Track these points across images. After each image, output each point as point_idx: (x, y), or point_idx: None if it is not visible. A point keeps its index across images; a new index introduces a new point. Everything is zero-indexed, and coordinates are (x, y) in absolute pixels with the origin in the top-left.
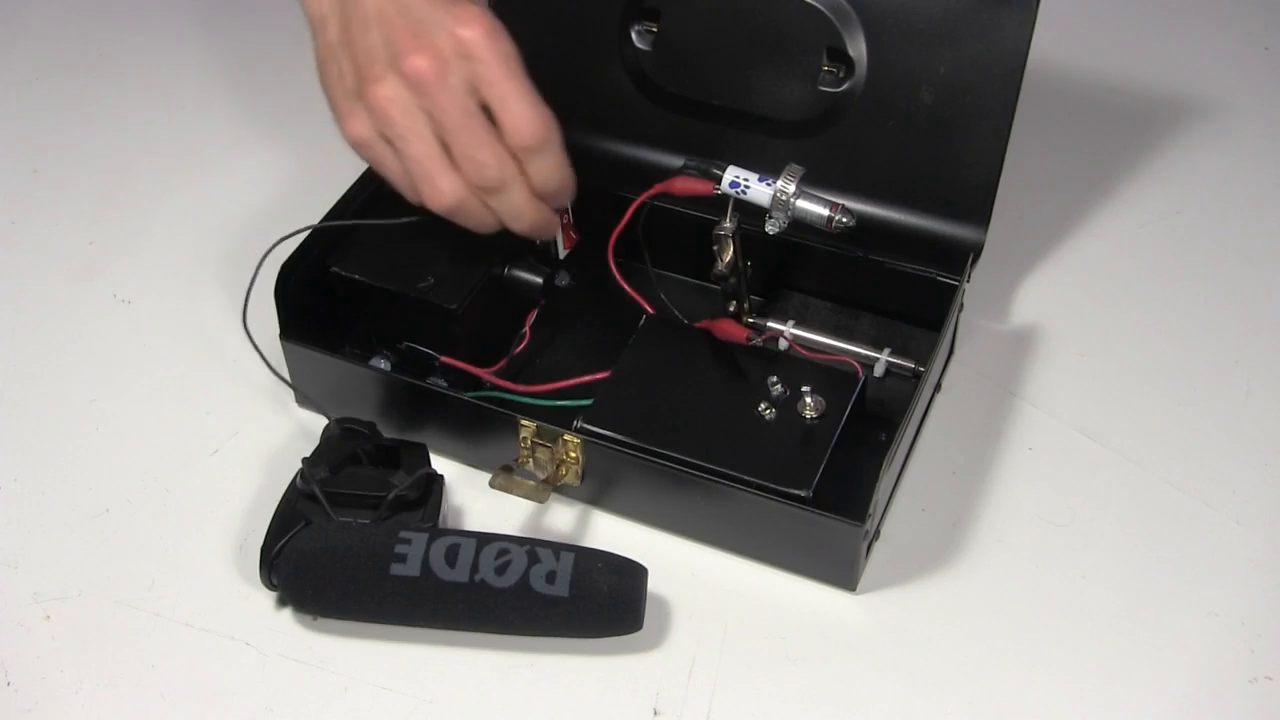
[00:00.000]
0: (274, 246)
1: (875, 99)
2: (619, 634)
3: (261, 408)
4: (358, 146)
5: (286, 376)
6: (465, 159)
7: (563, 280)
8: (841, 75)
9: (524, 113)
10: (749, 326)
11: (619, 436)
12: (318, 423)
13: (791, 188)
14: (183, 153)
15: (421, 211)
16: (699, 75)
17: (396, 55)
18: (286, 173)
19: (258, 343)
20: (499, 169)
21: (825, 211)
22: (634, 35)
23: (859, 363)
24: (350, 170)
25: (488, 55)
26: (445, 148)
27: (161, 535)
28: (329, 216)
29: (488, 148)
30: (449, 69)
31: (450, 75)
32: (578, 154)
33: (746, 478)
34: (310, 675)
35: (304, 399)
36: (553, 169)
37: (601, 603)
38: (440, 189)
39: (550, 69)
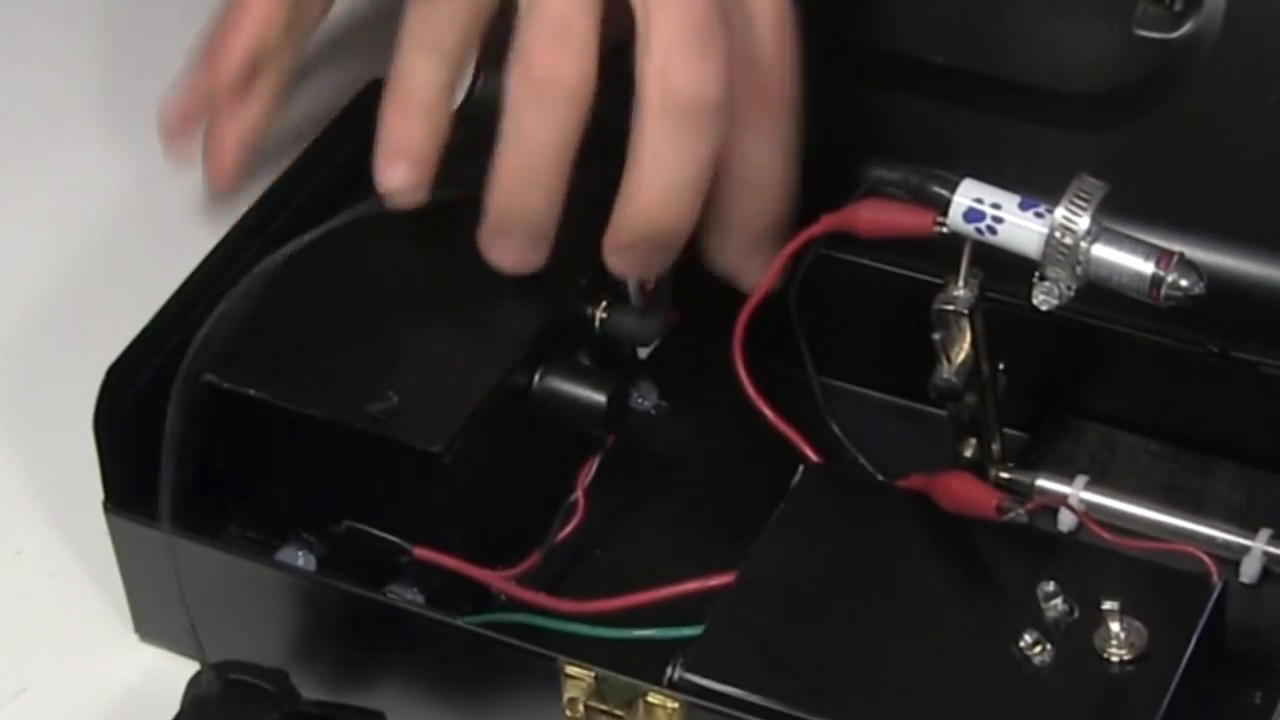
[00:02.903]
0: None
1: (1241, 55)
2: None
3: (72, 642)
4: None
5: (120, 583)
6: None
7: (645, 398)
8: (1181, 8)
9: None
10: (1001, 486)
11: (751, 697)
12: (179, 671)
13: (1084, 221)
14: None
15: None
16: (905, 11)
17: None
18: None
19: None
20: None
21: (1149, 266)
22: None
23: (1211, 555)
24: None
25: None
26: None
27: None
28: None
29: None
30: None
31: None
32: None
33: None
34: None
35: (151, 626)
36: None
37: None
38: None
39: None
